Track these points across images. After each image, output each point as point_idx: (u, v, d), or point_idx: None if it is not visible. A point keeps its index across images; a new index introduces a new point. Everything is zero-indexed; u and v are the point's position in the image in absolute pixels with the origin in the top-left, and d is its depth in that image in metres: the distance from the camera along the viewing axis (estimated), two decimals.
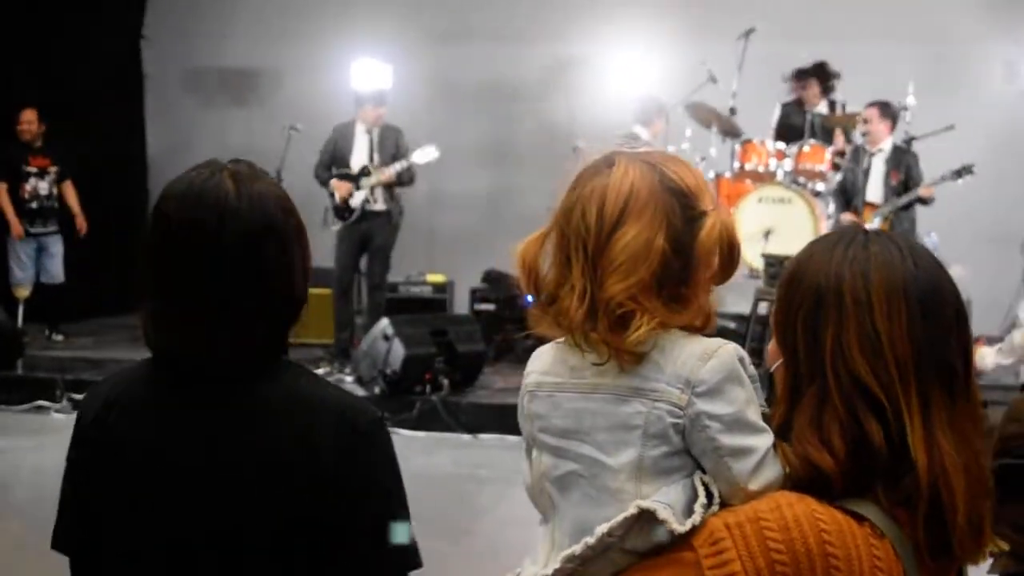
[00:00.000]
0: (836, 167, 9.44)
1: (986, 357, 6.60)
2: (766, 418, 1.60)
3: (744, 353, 1.61)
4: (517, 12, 11.23)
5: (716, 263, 1.63)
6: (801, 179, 9.45)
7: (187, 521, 1.79)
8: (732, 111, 9.80)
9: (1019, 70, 10.71)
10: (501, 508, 6.61)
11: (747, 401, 1.58)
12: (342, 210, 9.41)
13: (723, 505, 1.55)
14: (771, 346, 1.64)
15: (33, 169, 10.13)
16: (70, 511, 1.89)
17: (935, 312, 1.54)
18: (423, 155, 9.36)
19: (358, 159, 9.45)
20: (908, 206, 8.86)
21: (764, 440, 1.57)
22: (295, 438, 1.80)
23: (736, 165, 9.64)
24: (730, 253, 1.63)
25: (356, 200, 9.38)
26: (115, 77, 11.72)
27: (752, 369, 1.62)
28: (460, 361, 8.63)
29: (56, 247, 10.27)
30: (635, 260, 1.58)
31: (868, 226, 7.29)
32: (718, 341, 1.60)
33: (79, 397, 7.91)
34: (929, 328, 1.53)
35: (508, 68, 11.21)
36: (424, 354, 8.45)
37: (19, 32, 10.79)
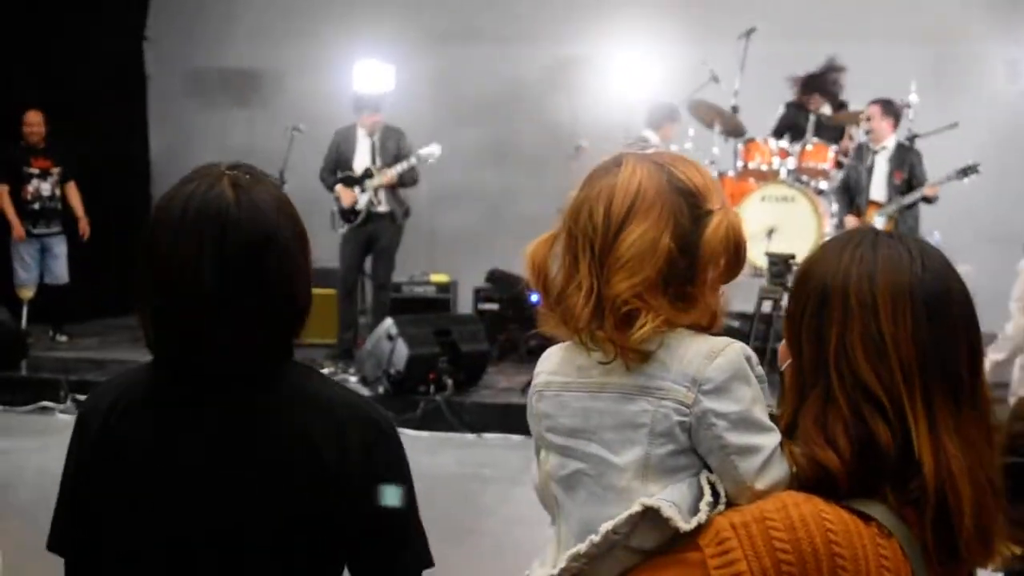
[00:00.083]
0: (840, 165, 9.44)
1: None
2: (774, 418, 1.59)
3: (751, 352, 1.61)
4: (519, 12, 11.23)
5: (723, 263, 1.63)
6: (804, 177, 9.45)
7: (188, 520, 1.79)
8: (734, 110, 9.80)
9: (1021, 69, 10.71)
10: (505, 508, 6.61)
11: (754, 400, 1.58)
12: (347, 214, 9.46)
13: (729, 504, 1.55)
14: (782, 346, 1.64)
15: (35, 170, 10.15)
16: (68, 512, 1.89)
17: (942, 316, 1.53)
18: (426, 152, 9.38)
19: (360, 162, 9.50)
20: (912, 205, 8.86)
21: (771, 439, 1.57)
22: (296, 437, 1.80)
23: (739, 164, 9.63)
24: (736, 252, 1.63)
25: (360, 203, 9.42)
26: (117, 78, 11.72)
27: (759, 368, 1.62)
28: (464, 361, 8.63)
29: (59, 248, 10.28)
30: (641, 258, 1.58)
31: (865, 224, 7.26)
32: (725, 340, 1.60)
33: (83, 398, 7.91)
34: (935, 332, 1.52)
35: (510, 68, 11.21)
36: (428, 354, 8.45)
37: (20, 32, 10.79)
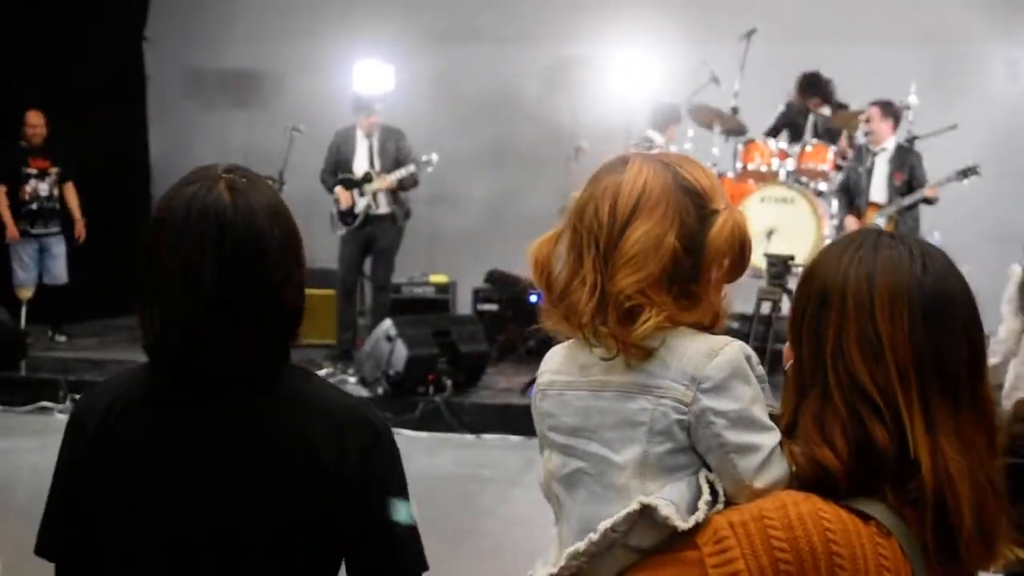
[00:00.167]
0: (839, 167, 9.44)
1: None
2: (775, 418, 1.59)
3: (751, 351, 1.62)
4: (519, 13, 11.22)
5: (727, 262, 1.63)
6: (803, 179, 9.45)
7: (188, 521, 1.80)
8: (734, 111, 9.80)
9: (1021, 69, 10.71)
10: (504, 508, 6.61)
11: (753, 398, 1.58)
12: (345, 216, 9.47)
13: (728, 503, 1.55)
14: (787, 346, 1.64)
15: (33, 171, 10.14)
16: (61, 514, 1.88)
17: (941, 318, 1.52)
18: (425, 159, 9.39)
19: (360, 164, 9.50)
20: (913, 206, 8.86)
21: (770, 438, 1.57)
22: (295, 439, 1.81)
23: (739, 165, 9.63)
24: (741, 252, 1.64)
25: (359, 206, 9.42)
26: (116, 78, 11.71)
27: (760, 368, 1.62)
28: (463, 361, 8.63)
29: (58, 248, 10.27)
30: (645, 255, 1.59)
31: (871, 225, 7.27)
32: (725, 339, 1.61)
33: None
34: (933, 333, 1.51)
35: (510, 69, 11.20)
36: (427, 355, 8.45)
37: (19, 32, 10.79)
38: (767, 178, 9.47)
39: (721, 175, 9.57)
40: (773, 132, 9.79)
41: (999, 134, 10.03)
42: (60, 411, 8.66)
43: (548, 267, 1.67)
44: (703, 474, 1.57)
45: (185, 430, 1.82)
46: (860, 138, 9.31)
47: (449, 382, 8.48)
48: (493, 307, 10.20)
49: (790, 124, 9.82)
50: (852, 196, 9.08)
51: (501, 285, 10.23)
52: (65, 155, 10.25)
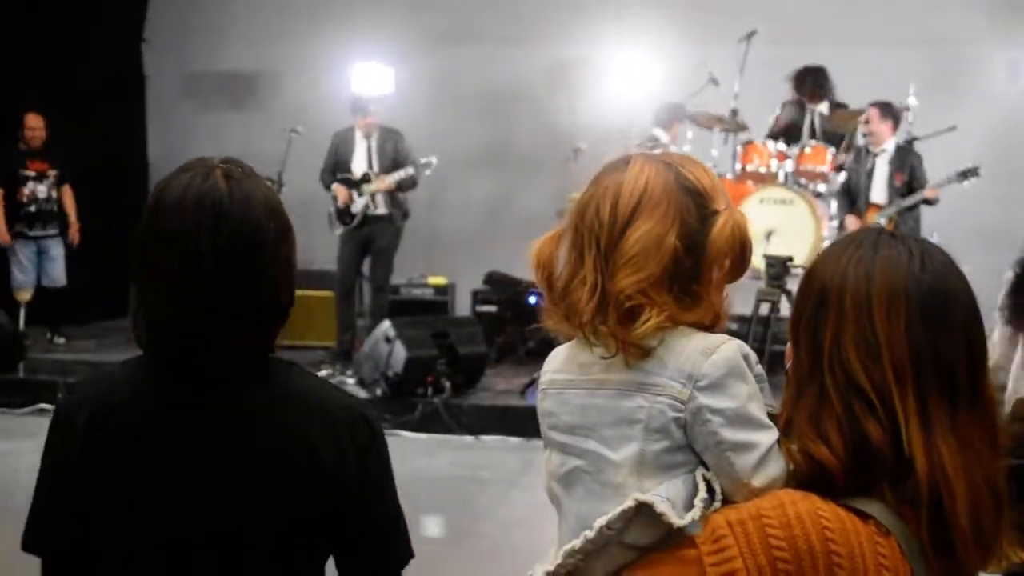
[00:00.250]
0: (839, 168, 9.43)
1: None
2: (773, 418, 1.59)
3: (749, 350, 1.62)
4: (518, 14, 11.22)
5: (728, 263, 1.63)
6: (802, 180, 9.45)
7: (187, 521, 1.79)
8: (734, 113, 9.80)
9: (1021, 70, 10.71)
10: (503, 510, 6.61)
11: (750, 397, 1.58)
12: (344, 215, 9.46)
13: (726, 502, 1.55)
14: (788, 346, 1.64)
15: (31, 173, 10.14)
16: (48, 512, 1.87)
17: (939, 316, 1.52)
18: (424, 161, 9.39)
19: (359, 165, 9.50)
20: (913, 207, 8.86)
21: (767, 436, 1.56)
22: (295, 438, 1.81)
23: (737, 166, 9.63)
24: (742, 252, 1.65)
25: (357, 206, 9.43)
26: (115, 79, 11.71)
27: (759, 367, 1.62)
28: (462, 363, 8.63)
29: (57, 250, 10.27)
30: (646, 255, 1.59)
31: (873, 225, 7.25)
32: (722, 337, 1.61)
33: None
34: (931, 332, 1.51)
35: (509, 70, 11.20)
36: (426, 356, 8.45)
37: (19, 33, 10.79)
38: (766, 179, 9.47)
39: (720, 176, 9.53)
40: (774, 136, 9.76)
41: (999, 134, 10.02)
42: None
43: (549, 267, 1.68)
44: (699, 472, 1.57)
45: (185, 430, 1.81)
46: (860, 139, 9.31)
47: (448, 384, 8.48)
48: (492, 309, 10.20)
49: (790, 124, 9.80)
50: (853, 197, 9.09)
51: (500, 287, 10.23)
52: (64, 158, 10.25)
